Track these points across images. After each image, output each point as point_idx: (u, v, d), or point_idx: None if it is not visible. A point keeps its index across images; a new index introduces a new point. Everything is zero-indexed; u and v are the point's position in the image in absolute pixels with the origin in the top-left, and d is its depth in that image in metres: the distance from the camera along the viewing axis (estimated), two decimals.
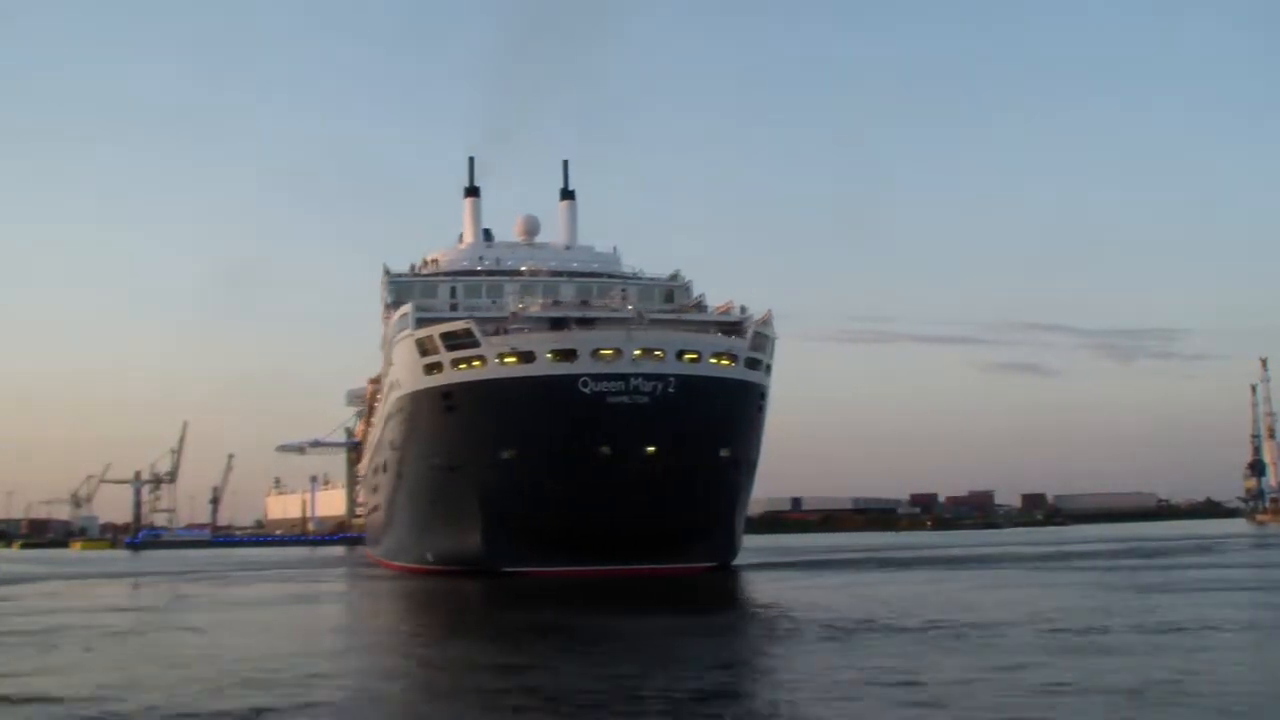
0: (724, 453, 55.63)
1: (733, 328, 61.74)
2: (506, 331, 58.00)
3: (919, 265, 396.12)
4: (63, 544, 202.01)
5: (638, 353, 53.78)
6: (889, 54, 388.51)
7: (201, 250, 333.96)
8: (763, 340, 59.43)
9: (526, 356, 54.67)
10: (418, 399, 59.00)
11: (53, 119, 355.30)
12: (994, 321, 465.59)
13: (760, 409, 59.19)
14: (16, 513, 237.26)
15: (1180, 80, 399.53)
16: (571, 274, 74.12)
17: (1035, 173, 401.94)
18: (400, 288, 72.34)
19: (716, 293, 73.84)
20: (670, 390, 53.16)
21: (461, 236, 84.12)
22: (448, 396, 56.70)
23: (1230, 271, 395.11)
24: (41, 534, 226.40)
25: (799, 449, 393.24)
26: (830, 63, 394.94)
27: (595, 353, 54.02)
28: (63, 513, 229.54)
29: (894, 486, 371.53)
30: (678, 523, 53.86)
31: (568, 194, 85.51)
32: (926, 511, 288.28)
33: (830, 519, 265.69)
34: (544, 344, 55.35)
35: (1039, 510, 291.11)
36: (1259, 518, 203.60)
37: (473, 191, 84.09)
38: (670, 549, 53.71)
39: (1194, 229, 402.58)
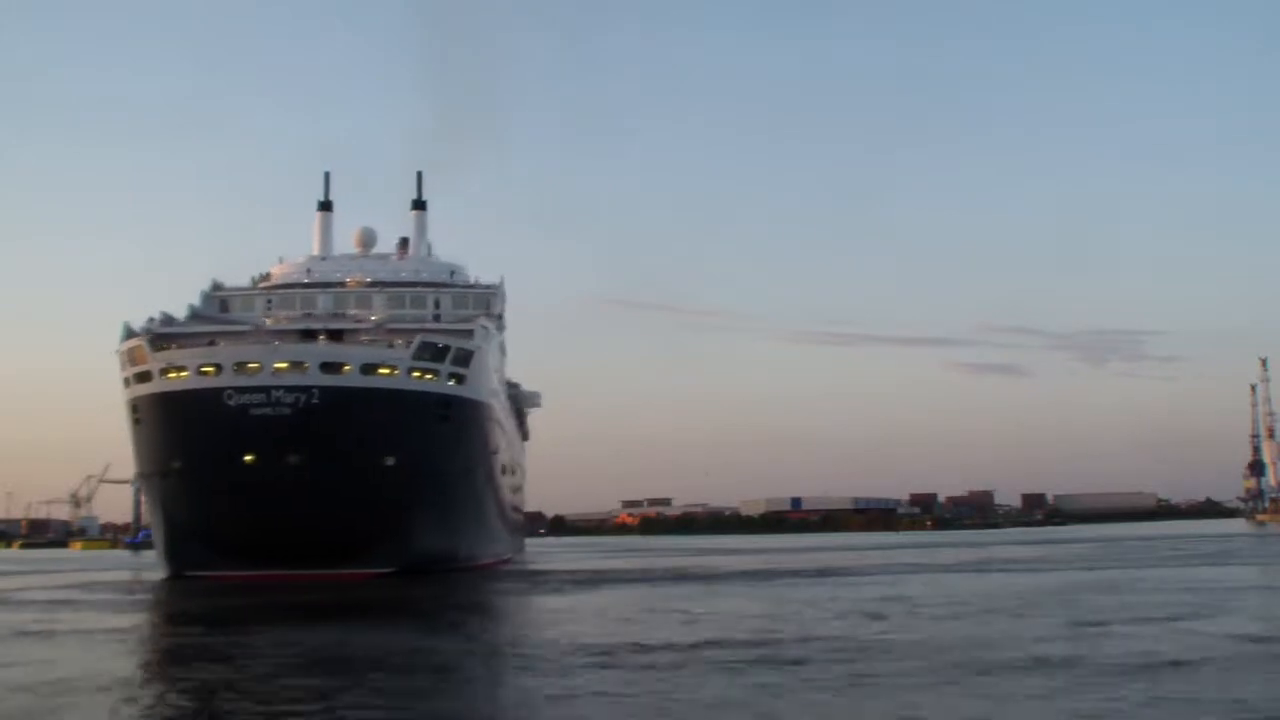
0: (388, 460, 55.68)
1: (463, 336, 62.39)
2: (254, 343, 59.50)
3: (895, 268, 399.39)
4: (63, 544, 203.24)
5: (281, 365, 55.39)
6: (876, 60, 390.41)
7: (200, 249, 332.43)
8: (464, 354, 59.97)
9: (179, 370, 56.54)
10: (128, 410, 60.71)
11: (55, 119, 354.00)
12: (973, 324, 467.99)
13: (445, 417, 59.14)
14: (17, 513, 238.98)
15: (1168, 81, 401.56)
16: (386, 284, 75.57)
17: (1021, 178, 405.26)
18: (223, 301, 73.90)
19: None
20: (314, 401, 54.26)
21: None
22: (135, 409, 58.88)
23: (1206, 272, 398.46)
24: (42, 534, 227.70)
25: (799, 450, 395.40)
26: (822, 68, 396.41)
27: (241, 366, 55.53)
28: (63, 513, 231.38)
29: (894, 487, 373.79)
30: (336, 529, 54.03)
31: (419, 204, 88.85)
32: (926, 511, 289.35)
33: (830, 519, 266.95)
34: (194, 359, 56.90)
35: (1039, 510, 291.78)
36: (1259, 517, 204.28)
37: (325, 206, 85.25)
38: (338, 554, 54.30)
39: (1167, 231, 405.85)
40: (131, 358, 58.94)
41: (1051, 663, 21.76)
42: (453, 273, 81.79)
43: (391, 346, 59.40)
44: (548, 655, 24.82)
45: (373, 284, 75.25)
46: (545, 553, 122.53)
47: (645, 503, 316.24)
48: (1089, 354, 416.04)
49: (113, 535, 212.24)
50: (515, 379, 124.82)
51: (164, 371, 56.97)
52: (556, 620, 35.53)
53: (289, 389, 54.62)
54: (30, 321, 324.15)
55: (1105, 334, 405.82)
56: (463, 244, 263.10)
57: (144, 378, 57.96)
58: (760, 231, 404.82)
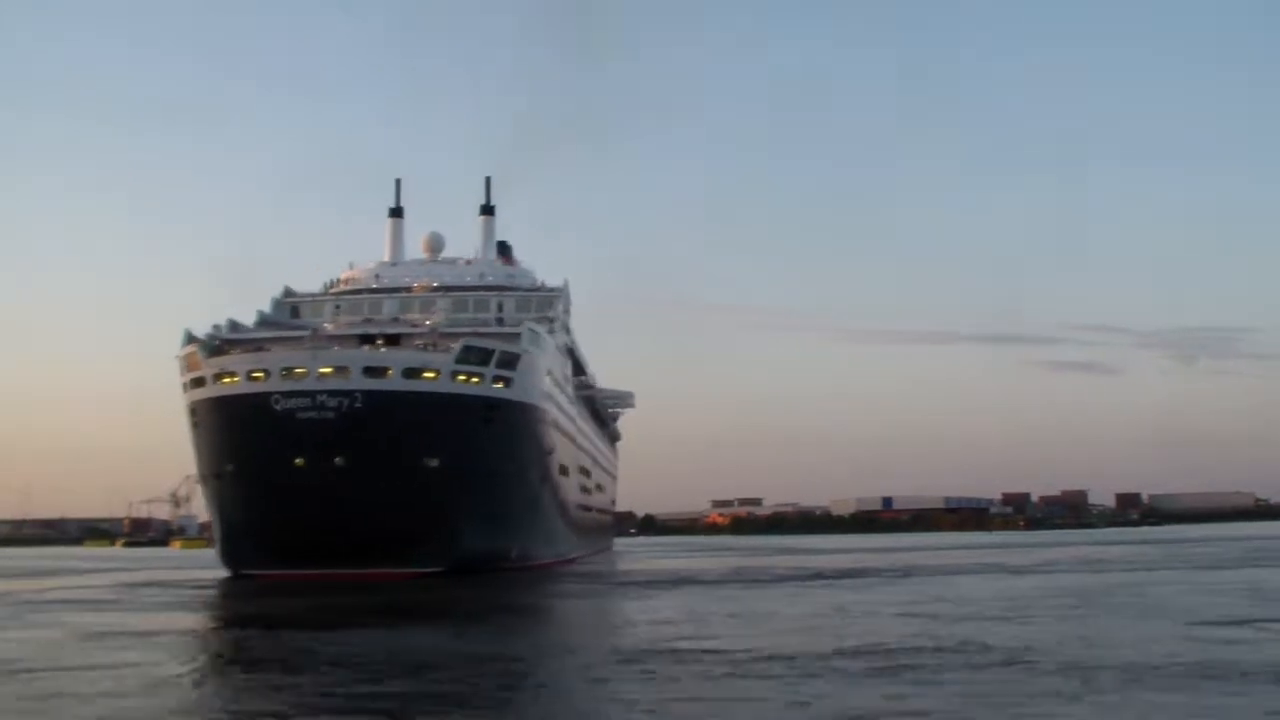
0: (432, 462, 57.05)
1: (510, 339, 63.64)
2: (313, 349, 60.79)
3: (974, 266, 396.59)
4: (163, 543, 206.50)
5: (326, 371, 57.02)
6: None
7: (291, 251, 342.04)
8: (510, 358, 61.04)
9: (230, 376, 58.55)
10: (188, 414, 62.50)
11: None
12: (1052, 322, 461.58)
13: (490, 420, 59.72)
14: (120, 512, 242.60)
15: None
16: (450, 288, 77.13)
17: (1099, 176, 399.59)
18: (294, 307, 76.38)
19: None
20: (356, 405, 55.64)
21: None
22: (194, 413, 60.86)
23: None
24: (143, 532, 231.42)
25: (891, 449, 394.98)
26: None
27: (288, 371, 57.16)
28: (163, 512, 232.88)
29: (986, 486, 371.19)
30: (381, 529, 55.15)
31: (487, 209, 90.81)
32: (1019, 511, 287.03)
33: (921, 519, 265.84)
34: (244, 365, 58.78)
35: (1134, 509, 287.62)
36: None
37: (396, 212, 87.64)
38: (385, 554, 55.39)
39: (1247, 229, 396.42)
40: (188, 364, 61.10)
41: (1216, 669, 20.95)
42: (513, 276, 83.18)
43: (446, 351, 60.40)
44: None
45: (438, 288, 76.84)
46: (629, 552, 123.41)
47: (736, 502, 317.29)
48: (1178, 352, 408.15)
49: (209, 534, 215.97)
50: (606, 381, 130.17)
51: (216, 377, 59.00)
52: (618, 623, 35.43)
53: (333, 393, 56.12)
54: (138, 331, 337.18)
55: (1193, 331, 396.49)
56: (543, 248, 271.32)
57: (199, 383, 60.00)
58: (837, 231, 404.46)
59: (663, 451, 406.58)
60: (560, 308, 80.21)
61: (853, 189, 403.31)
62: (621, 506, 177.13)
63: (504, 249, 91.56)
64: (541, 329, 69.14)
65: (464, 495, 58.20)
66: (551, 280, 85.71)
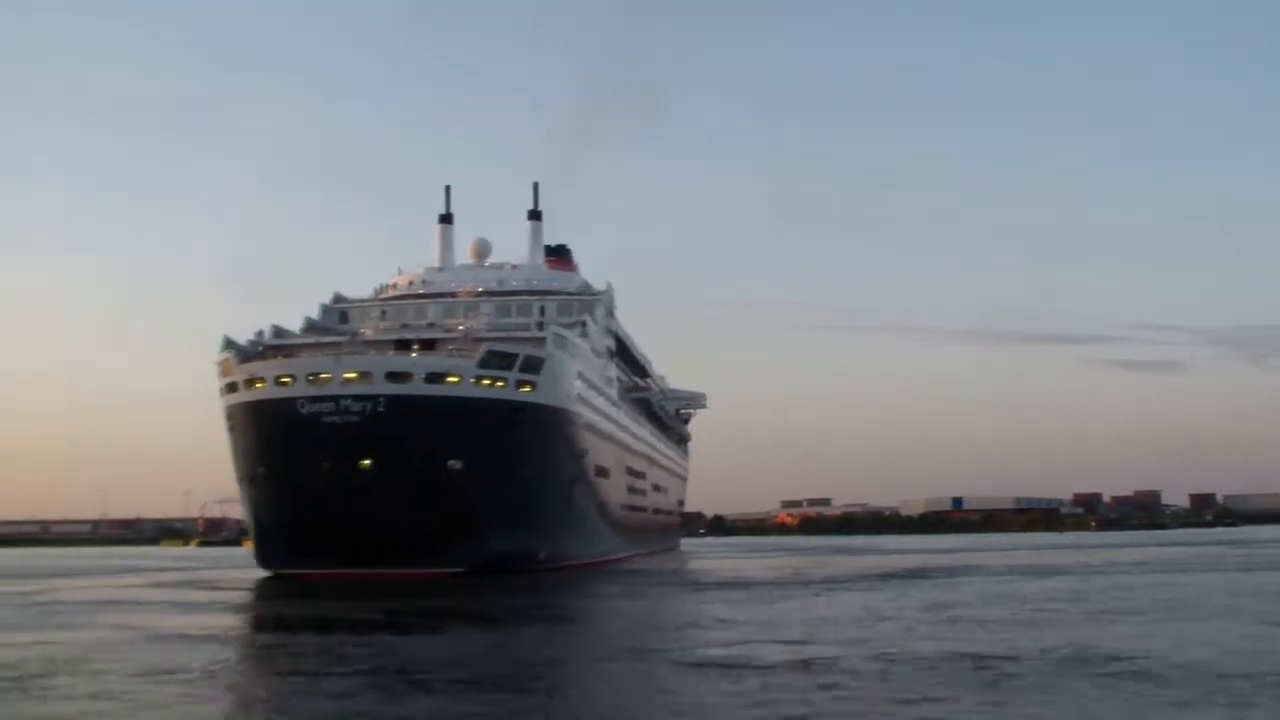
0: (454, 464, 58.27)
1: (535, 344, 64.85)
2: (341, 355, 62.51)
3: (1036, 266, 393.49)
4: (236, 542, 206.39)
5: (350, 376, 58.49)
6: None
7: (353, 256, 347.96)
8: (534, 361, 62.19)
9: (260, 381, 60.59)
10: (225, 419, 64.48)
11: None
12: (1114, 322, 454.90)
13: (515, 423, 60.78)
14: (194, 512, 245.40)
15: None
16: (494, 293, 79.32)
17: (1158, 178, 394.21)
18: (342, 312, 79.06)
19: None
20: (380, 409, 57.32)
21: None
22: (229, 418, 62.88)
23: None
24: (217, 532, 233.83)
25: (960, 449, 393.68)
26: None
27: (315, 377, 58.72)
28: (236, 512, 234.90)
29: (1057, 486, 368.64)
30: (406, 530, 56.80)
31: (535, 214, 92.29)
32: (1090, 512, 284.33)
33: (991, 519, 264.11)
34: (273, 370, 60.56)
35: (1208, 510, 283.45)
36: None
37: (446, 219, 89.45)
38: (410, 554, 56.89)
39: None
40: (222, 370, 63.22)
41: None
42: (556, 280, 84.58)
43: (471, 356, 61.64)
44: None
45: (482, 293, 78.84)
46: (694, 553, 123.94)
47: (805, 503, 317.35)
48: (1244, 350, 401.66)
49: None
50: (679, 383, 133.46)
51: (248, 383, 60.95)
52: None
53: (356, 398, 57.66)
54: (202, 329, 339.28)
55: (1258, 330, 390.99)
56: (599, 251, 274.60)
57: (232, 388, 61.98)
58: (909, 232, 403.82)
59: (733, 452, 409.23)
60: (602, 310, 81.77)
61: (913, 186, 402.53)
62: (691, 507, 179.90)
63: (560, 252, 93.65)
64: (571, 333, 70.23)
65: (487, 497, 59.42)
66: (598, 284, 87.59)
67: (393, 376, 59.07)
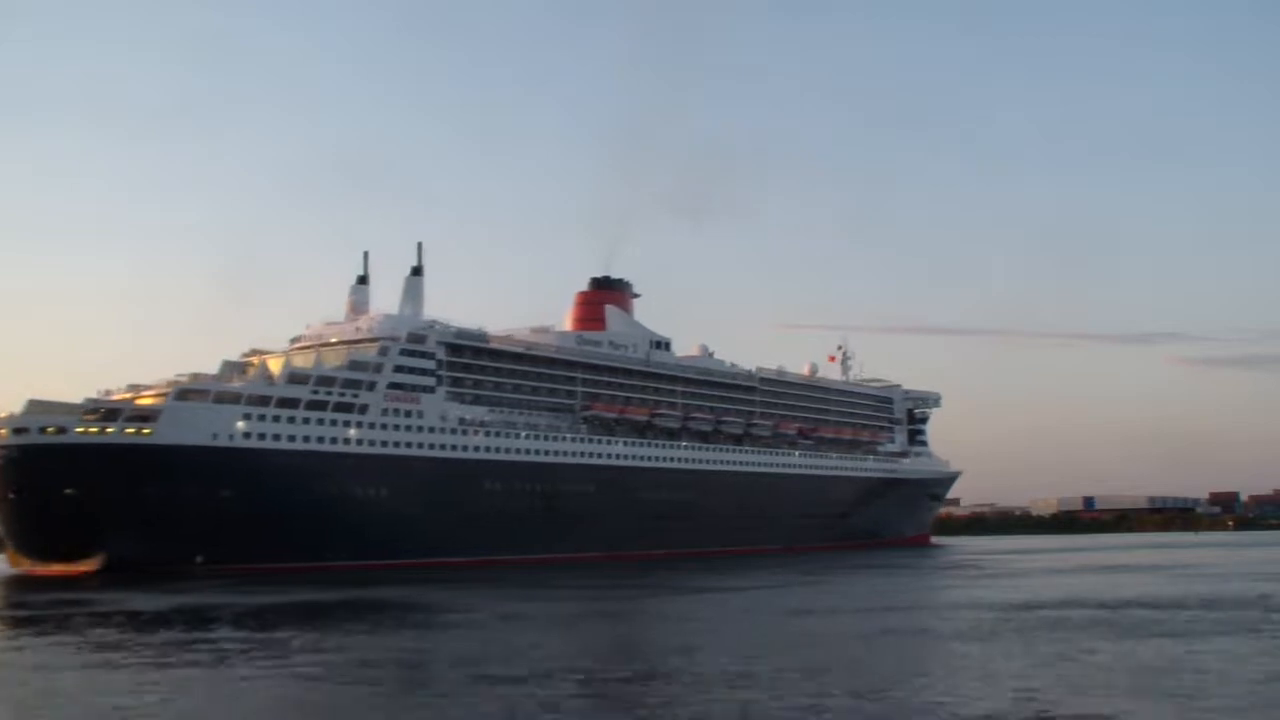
0: (68, 491, 75.85)
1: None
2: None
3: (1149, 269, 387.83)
4: None
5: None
6: None
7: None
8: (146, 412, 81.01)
9: None
10: None
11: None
12: (1215, 324, 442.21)
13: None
14: None
15: None
16: (348, 342, 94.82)
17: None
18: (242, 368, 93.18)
19: None
20: (13, 456, 77.01)
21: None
22: None
23: None
24: None
25: (1093, 449, 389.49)
26: None
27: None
28: None
29: (1192, 485, 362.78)
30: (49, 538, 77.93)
31: (417, 271, 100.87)
32: (1227, 511, 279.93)
33: (1125, 519, 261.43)
34: None
35: None
36: None
37: (362, 280, 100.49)
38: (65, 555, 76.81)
39: None
40: None
41: None
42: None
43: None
44: None
45: (338, 343, 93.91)
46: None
47: None
48: None
49: None
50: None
51: None
52: None
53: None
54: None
55: None
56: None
57: None
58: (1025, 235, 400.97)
59: None
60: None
61: (1083, 199, 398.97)
62: None
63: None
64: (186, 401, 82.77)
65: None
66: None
67: (29, 430, 78.14)
